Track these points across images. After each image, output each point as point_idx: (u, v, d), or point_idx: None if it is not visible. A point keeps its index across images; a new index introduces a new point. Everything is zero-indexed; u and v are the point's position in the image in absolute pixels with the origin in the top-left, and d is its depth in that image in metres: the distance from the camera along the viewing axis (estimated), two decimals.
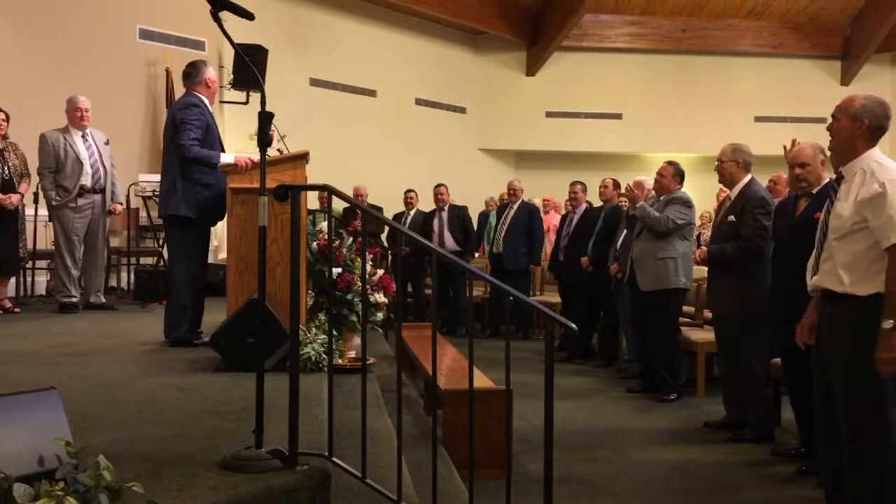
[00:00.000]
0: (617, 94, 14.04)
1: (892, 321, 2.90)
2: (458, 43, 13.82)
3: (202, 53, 9.28)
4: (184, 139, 4.70)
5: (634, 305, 6.39)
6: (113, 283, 8.40)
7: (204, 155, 4.73)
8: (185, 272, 4.86)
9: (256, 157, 4.92)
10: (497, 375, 4.44)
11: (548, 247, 9.80)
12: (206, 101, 4.95)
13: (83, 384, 3.62)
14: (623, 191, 6.94)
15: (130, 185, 7.83)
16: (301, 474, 2.34)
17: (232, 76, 9.57)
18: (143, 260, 8.35)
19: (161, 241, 7.96)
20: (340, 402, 3.63)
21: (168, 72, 9.15)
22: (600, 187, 7.73)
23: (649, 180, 6.64)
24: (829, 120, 3.28)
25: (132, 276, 8.12)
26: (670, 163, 6.23)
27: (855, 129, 3.12)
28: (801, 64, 14.28)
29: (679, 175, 6.11)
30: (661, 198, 6.17)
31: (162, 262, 7.65)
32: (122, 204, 7.25)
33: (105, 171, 6.84)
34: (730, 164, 4.92)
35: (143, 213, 8.33)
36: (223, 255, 9.15)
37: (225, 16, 2.69)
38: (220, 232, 9.53)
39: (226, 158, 4.70)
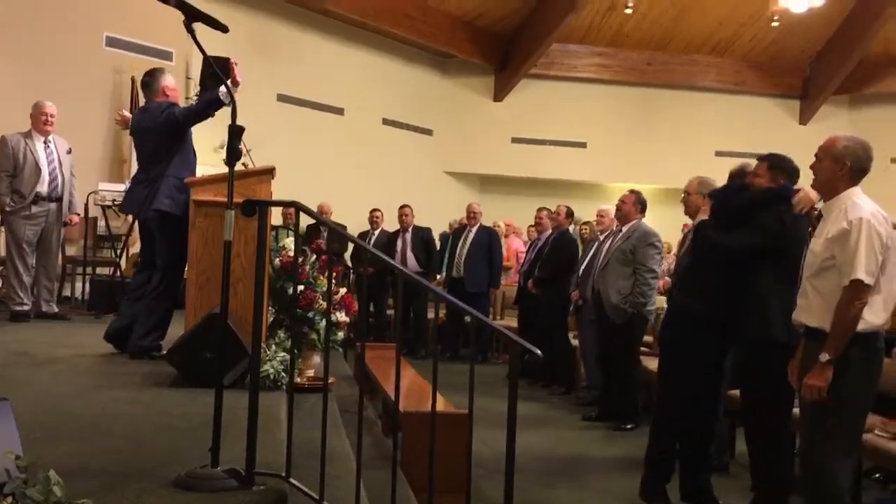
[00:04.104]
0: (582, 122, 14.20)
1: (828, 356, 3.04)
2: (427, 65, 13.87)
3: (169, 64, 9.18)
4: (176, 112, 4.78)
5: (600, 336, 6.47)
6: (67, 292, 8.21)
7: (198, 108, 4.78)
8: (172, 275, 4.80)
9: (212, 171, 4.94)
10: (456, 399, 4.43)
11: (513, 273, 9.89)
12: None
13: (35, 395, 3.52)
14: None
15: (90, 194, 7.69)
16: (257, 495, 2.30)
17: (199, 87, 9.47)
18: (99, 270, 8.18)
19: (118, 251, 7.83)
20: (298, 422, 3.58)
21: (133, 80, 9.02)
22: (553, 213, 7.95)
23: (612, 209, 6.77)
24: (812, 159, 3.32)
25: (87, 285, 7.95)
26: (633, 191, 6.44)
27: (837, 170, 3.18)
28: (761, 102, 14.59)
29: (640, 204, 6.29)
30: (625, 228, 6.28)
31: (119, 273, 7.52)
32: (79, 215, 7.09)
33: (63, 179, 6.71)
34: (696, 197, 4.97)
35: (101, 223, 8.18)
36: None
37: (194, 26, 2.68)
38: None
39: (223, 89, 4.52)
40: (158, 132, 4.85)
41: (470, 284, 8.96)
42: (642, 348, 6.84)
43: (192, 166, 4.96)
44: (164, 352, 4.36)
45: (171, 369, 4.02)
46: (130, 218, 6.77)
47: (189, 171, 4.87)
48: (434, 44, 13.18)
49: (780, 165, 4.00)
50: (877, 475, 4.75)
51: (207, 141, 9.47)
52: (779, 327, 3.71)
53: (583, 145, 14.25)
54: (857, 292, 3.01)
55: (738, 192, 4.11)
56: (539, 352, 2.20)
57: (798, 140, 11.79)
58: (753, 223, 3.87)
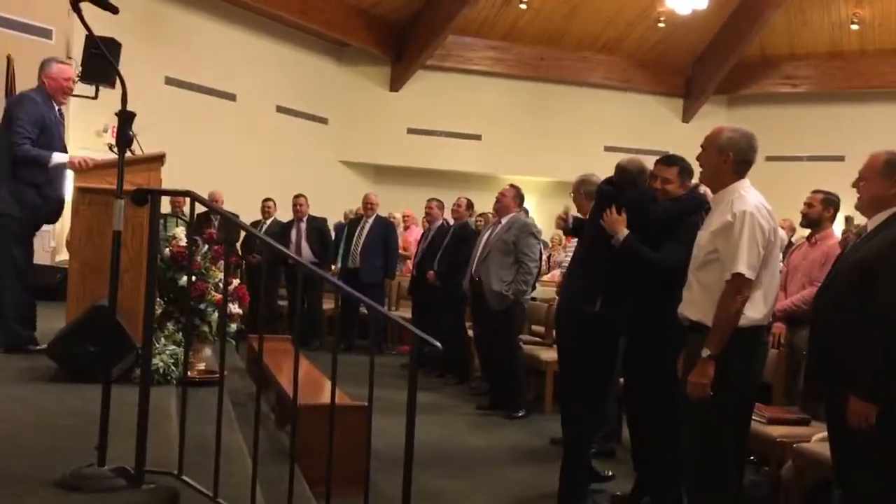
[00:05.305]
0: (477, 115, 14.33)
1: (709, 351, 2.99)
2: (323, 53, 13.69)
3: (48, 42, 8.71)
4: (15, 137, 4.43)
5: (481, 322, 6.59)
6: None
7: (34, 155, 4.46)
8: (10, 272, 4.54)
9: (95, 156, 4.67)
10: (351, 390, 4.41)
11: (410, 264, 9.88)
12: (48, 96, 4.67)
13: None
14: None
15: None
16: (147, 493, 2.23)
17: (81, 69, 9.02)
18: None
19: None
20: (189, 417, 3.49)
21: (9, 59, 8.50)
22: (454, 205, 8.10)
23: None
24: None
25: None
26: (512, 186, 6.80)
27: (721, 161, 3.16)
28: (647, 100, 15.12)
29: (520, 198, 6.58)
30: (504, 220, 6.44)
31: None
32: None
33: None
34: (576, 195, 5.02)
35: None
36: (61, 256, 8.59)
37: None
38: (58, 232, 8.95)
39: (58, 158, 4.46)
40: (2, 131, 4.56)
41: (366, 276, 8.90)
42: (534, 338, 7.01)
43: (45, 170, 4.57)
44: (44, 346, 4.15)
45: (51, 363, 3.84)
46: None
47: (42, 174, 4.54)
48: (330, 31, 13.03)
49: (687, 169, 3.95)
50: (751, 457, 5.01)
51: (90, 125, 9.07)
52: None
53: (477, 137, 14.40)
54: (738, 286, 2.98)
55: (651, 202, 3.96)
56: (439, 344, 2.22)
57: (680, 137, 12.31)
58: (673, 235, 3.80)
